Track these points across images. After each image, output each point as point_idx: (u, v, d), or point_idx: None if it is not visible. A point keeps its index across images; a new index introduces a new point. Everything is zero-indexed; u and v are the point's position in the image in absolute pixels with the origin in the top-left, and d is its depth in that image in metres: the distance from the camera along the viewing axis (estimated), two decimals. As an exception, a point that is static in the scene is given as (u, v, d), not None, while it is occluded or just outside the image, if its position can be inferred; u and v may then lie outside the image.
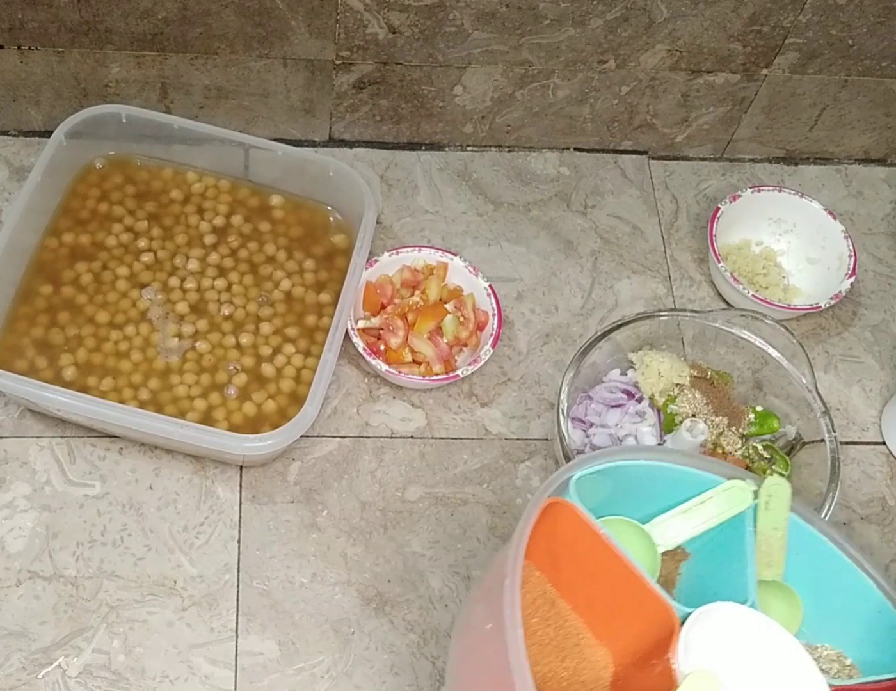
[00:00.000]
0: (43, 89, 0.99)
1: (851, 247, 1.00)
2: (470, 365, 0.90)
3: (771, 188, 1.04)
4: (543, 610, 0.65)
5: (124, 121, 0.95)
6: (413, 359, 0.92)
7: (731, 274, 0.98)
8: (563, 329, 0.99)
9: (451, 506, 0.88)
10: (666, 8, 0.95)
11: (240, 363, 0.90)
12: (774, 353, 0.87)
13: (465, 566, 0.85)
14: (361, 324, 0.92)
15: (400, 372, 0.90)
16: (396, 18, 0.94)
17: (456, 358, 0.93)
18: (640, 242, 1.05)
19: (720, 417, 0.85)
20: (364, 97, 1.02)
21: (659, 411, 0.86)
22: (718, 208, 1.01)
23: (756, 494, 0.67)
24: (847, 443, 0.95)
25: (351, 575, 0.84)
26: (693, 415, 0.84)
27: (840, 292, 0.99)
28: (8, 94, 0.99)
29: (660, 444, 0.84)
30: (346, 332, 0.89)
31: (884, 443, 0.96)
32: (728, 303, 1.01)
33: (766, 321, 0.87)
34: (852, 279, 0.99)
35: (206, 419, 0.86)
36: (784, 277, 1.04)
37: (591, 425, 0.87)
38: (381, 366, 0.89)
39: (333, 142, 1.07)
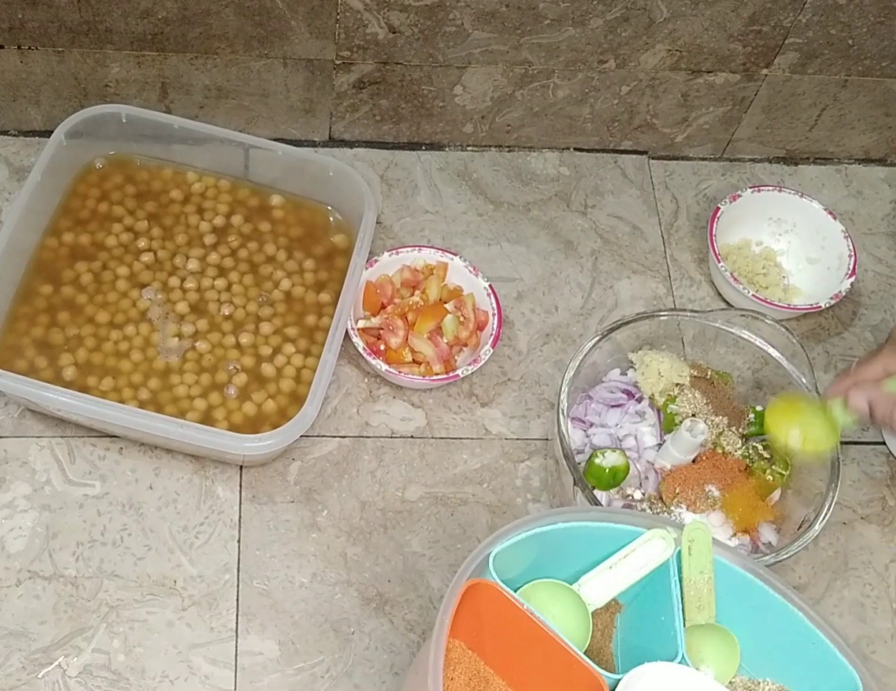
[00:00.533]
0: (43, 89, 0.99)
1: (851, 247, 1.00)
2: (470, 365, 0.90)
3: (771, 188, 1.04)
4: (479, 689, 0.65)
5: (124, 121, 0.95)
6: (413, 359, 0.92)
7: (731, 274, 0.98)
8: (563, 329, 0.99)
9: (451, 505, 0.88)
10: (666, 8, 0.95)
11: (240, 363, 0.90)
12: (774, 353, 0.87)
13: (465, 566, 0.85)
14: (361, 323, 0.92)
15: (400, 372, 0.90)
16: (396, 18, 0.94)
17: (456, 358, 0.93)
18: (640, 242, 1.05)
19: (720, 417, 0.85)
20: (364, 97, 1.02)
21: (659, 411, 0.86)
22: (718, 208, 1.01)
23: (677, 542, 0.68)
24: (847, 443, 0.95)
25: (351, 575, 0.84)
26: (693, 415, 0.84)
27: (840, 292, 0.99)
28: (8, 94, 0.99)
29: (660, 444, 0.84)
30: (346, 332, 0.89)
31: (884, 443, 0.96)
32: (728, 303, 1.01)
33: (766, 321, 0.87)
34: (852, 279, 0.99)
35: (206, 419, 0.86)
36: (784, 277, 1.04)
37: (591, 425, 0.87)
38: (381, 365, 0.89)
39: (333, 142, 1.07)
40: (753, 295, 0.97)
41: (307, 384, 0.86)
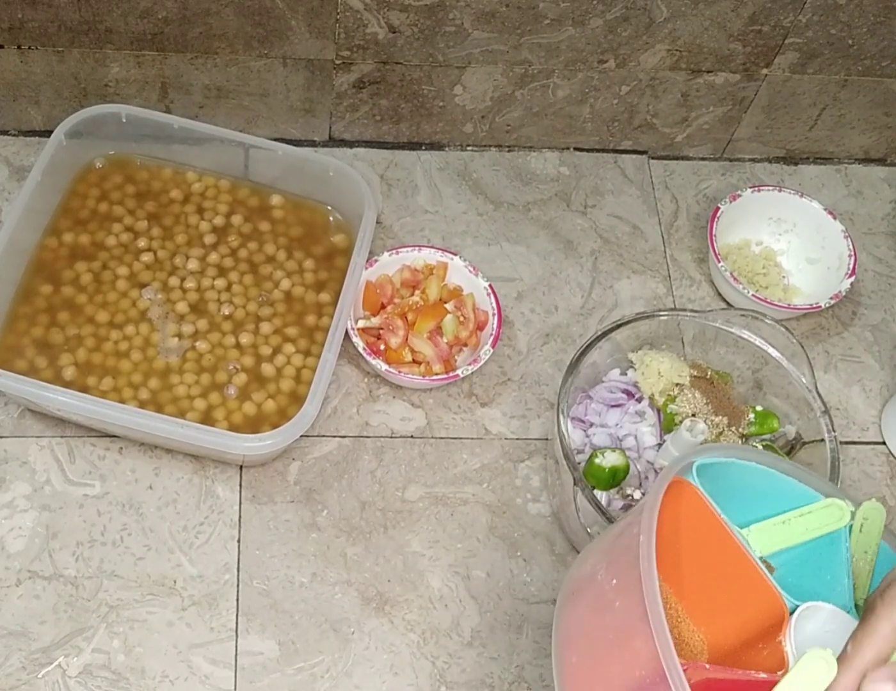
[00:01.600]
0: (43, 89, 0.99)
1: (851, 247, 1.00)
2: (470, 364, 0.90)
3: (771, 188, 1.04)
4: None
5: (124, 120, 0.95)
6: (413, 359, 0.92)
7: (731, 274, 0.98)
8: (563, 329, 0.99)
9: (451, 505, 0.88)
10: (666, 8, 0.95)
11: (240, 363, 0.90)
12: (774, 353, 0.87)
13: (465, 566, 0.85)
14: (361, 323, 0.92)
15: (400, 371, 0.90)
16: (396, 18, 0.94)
17: (456, 357, 0.93)
18: (640, 242, 1.05)
19: (720, 417, 0.85)
20: (364, 97, 1.02)
21: (659, 411, 0.86)
22: (718, 208, 1.01)
23: (853, 515, 0.68)
24: (847, 443, 0.95)
25: (351, 575, 0.84)
26: (693, 415, 0.84)
27: (840, 292, 0.99)
28: (8, 94, 0.99)
29: (659, 444, 0.84)
30: (346, 332, 0.89)
31: (884, 443, 0.96)
32: (728, 303, 1.01)
33: (766, 321, 0.87)
34: (852, 279, 0.99)
35: (206, 419, 0.86)
36: (784, 277, 1.04)
37: (591, 425, 0.87)
38: (381, 365, 0.89)
39: (333, 141, 1.07)
40: (753, 295, 0.97)
41: (307, 384, 0.86)
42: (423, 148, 1.08)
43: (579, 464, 0.82)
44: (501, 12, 0.94)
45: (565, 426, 0.80)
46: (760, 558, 0.68)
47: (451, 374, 0.90)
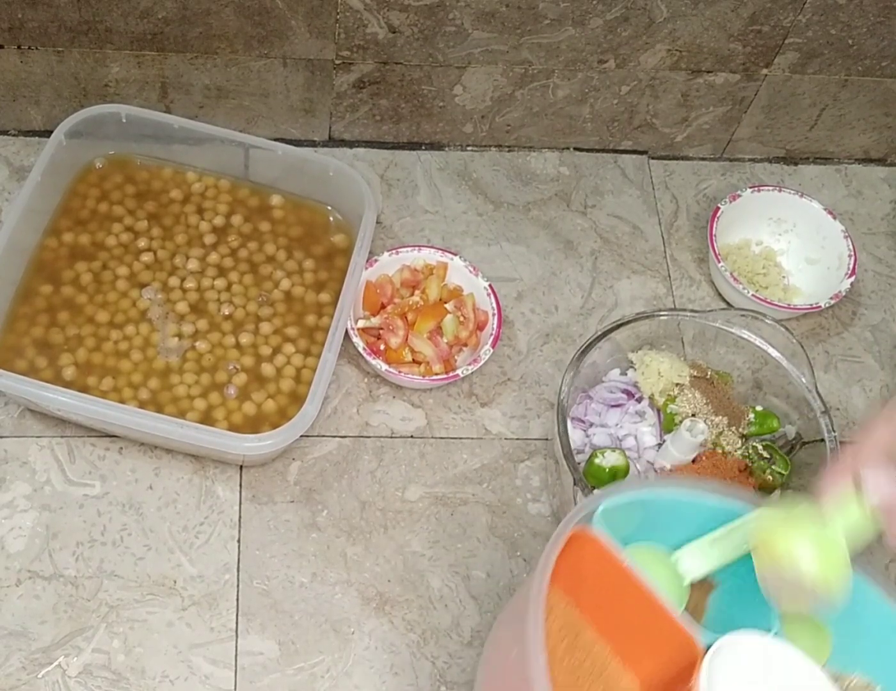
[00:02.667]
0: (43, 89, 0.99)
1: (851, 247, 1.00)
2: (470, 364, 0.90)
3: (771, 188, 1.04)
4: (570, 638, 0.65)
5: (124, 120, 0.95)
6: (413, 359, 0.92)
7: (731, 274, 0.98)
8: (563, 329, 0.99)
9: (451, 505, 0.88)
10: (666, 8, 0.95)
11: (240, 363, 0.90)
12: (774, 353, 0.87)
13: (465, 566, 0.85)
14: (361, 323, 0.92)
15: (400, 371, 0.90)
16: (396, 18, 0.94)
17: (456, 357, 0.93)
18: (640, 242, 1.05)
19: (720, 417, 0.85)
20: (364, 97, 1.02)
21: (659, 411, 0.86)
22: (718, 208, 1.01)
23: None
24: (847, 443, 0.95)
25: (351, 575, 0.84)
26: (693, 415, 0.84)
27: (840, 292, 0.99)
28: (8, 94, 0.99)
29: (659, 444, 0.84)
30: (346, 332, 0.89)
31: (884, 443, 0.96)
32: (728, 303, 1.01)
33: (766, 321, 0.87)
34: (852, 279, 0.99)
35: (206, 419, 0.86)
36: (784, 277, 1.04)
37: (591, 425, 0.87)
38: (381, 365, 0.89)
39: (333, 141, 1.07)
40: (753, 295, 0.97)
41: (307, 384, 0.86)
42: (423, 148, 1.08)
43: (579, 464, 0.82)
44: (501, 12, 0.94)
45: (565, 426, 0.80)
46: (693, 581, 0.67)
47: (451, 374, 0.90)
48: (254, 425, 0.86)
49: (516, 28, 0.96)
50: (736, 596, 0.69)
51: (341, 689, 0.79)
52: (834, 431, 0.83)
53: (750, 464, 0.84)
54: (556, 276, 1.02)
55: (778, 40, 0.99)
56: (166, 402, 0.87)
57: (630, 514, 0.67)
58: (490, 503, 0.88)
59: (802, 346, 0.86)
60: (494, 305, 0.94)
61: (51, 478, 0.85)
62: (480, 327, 0.94)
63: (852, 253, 1.00)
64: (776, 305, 0.97)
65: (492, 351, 0.91)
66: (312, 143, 1.07)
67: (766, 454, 0.84)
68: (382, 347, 0.92)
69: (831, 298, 0.98)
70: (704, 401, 0.85)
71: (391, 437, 0.91)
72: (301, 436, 0.83)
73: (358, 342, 0.90)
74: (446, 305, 0.94)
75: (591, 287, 1.02)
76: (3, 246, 0.86)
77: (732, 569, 0.68)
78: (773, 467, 0.83)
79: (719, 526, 0.68)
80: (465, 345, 0.94)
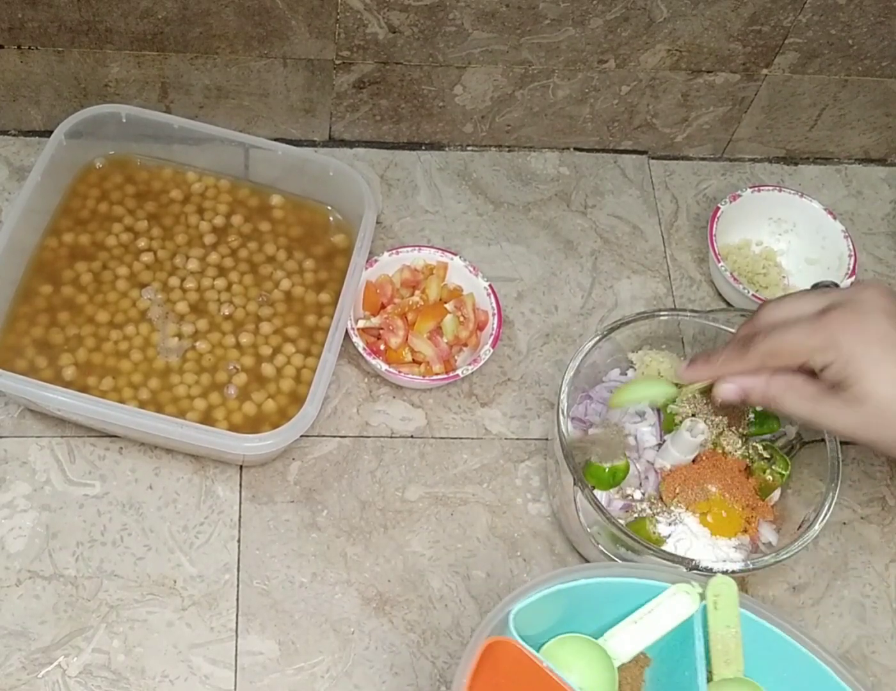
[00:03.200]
0: (43, 89, 0.99)
1: (851, 247, 1.00)
2: (470, 365, 0.90)
3: (771, 188, 1.04)
4: None
5: (124, 121, 0.95)
6: (413, 359, 0.92)
7: (731, 274, 0.98)
8: (563, 329, 0.99)
9: (451, 505, 0.88)
10: (666, 8, 0.95)
11: (240, 363, 0.90)
12: None
13: (465, 566, 0.85)
14: (361, 323, 0.92)
15: (400, 372, 0.90)
16: (396, 18, 0.94)
17: (456, 357, 0.93)
18: (640, 242, 1.05)
19: (720, 417, 0.85)
20: (364, 97, 1.02)
21: (659, 411, 0.86)
22: (718, 208, 1.01)
23: (703, 596, 0.68)
24: (847, 443, 0.95)
25: (351, 575, 0.84)
26: (693, 415, 0.84)
27: (840, 292, 0.99)
28: (8, 94, 0.99)
29: (660, 444, 0.84)
30: (346, 332, 0.89)
31: (884, 443, 0.96)
32: (728, 303, 1.01)
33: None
34: (852, 279, 0.99)
35: (206, 419, 0.86)
36: (784, 277, 1.04)
37: (591, 425, 0.87)
38: (381, 365, 0.89)
39: (333, 142, 1.07)
40: (753, 295, 0.97)
41: (307, 384, 0.86)
42: (423, 148, 1.08)
43: (579, 464, 0.82)
44: (501, 12, 0.94)
45: (565, 426, 0.80)
46: (623, 664, 0.67)
47: (451, 374, 0.90)
48: (254, 425, 0.86)
49: (516, 28, 0.96)
50: (668, 670, 0.70)
51: (341, 689, 0.79)
52: (834, 431, 0.83)
53: (750, 465, 0.84)
54: (556, 276, 1.02)
55: (778, 40, 0.99)
56: (166, 402, 0.87)
57: (547, 608, 0.67)
58: (490, 503, 0.88)
59: None
60: (494, 305, 0.94)
61: (51, 478, 0.85)
62: (480, 327, 0.94)
63: (852, 253, 1.00)
64: (776, 305, 0.97)
65: (492, 351, 0.91)
66: (312, 143, 1.07)
67: (766, 454, 0.84)
68: (382, 347, 0.92)
69: (831, 298, 0.98)
70: (704, 401, 0.85)
71: (391, 437, 0.91)
72: (301, 436, 0.83)
73: (358, 342, 0.90)
74: (446, 305, 0.94)
75: (591, 287, 1.02)
76: (3, 246, 0.86)
77: (662, 644, 0.69)
78: (774, 467, 0.83)
79: (640, 605, 0.68)
80: (465, 345, 0.94)
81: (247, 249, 0.96)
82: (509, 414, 0.93)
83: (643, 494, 0.83)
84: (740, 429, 0.85)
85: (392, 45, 0.97)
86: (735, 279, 0.97)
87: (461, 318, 0.93)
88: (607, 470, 0.82)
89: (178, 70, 0.98)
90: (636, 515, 0.81)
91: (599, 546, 0.78)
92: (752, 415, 0.86)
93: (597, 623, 0.69)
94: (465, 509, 0.88)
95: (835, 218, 1.02)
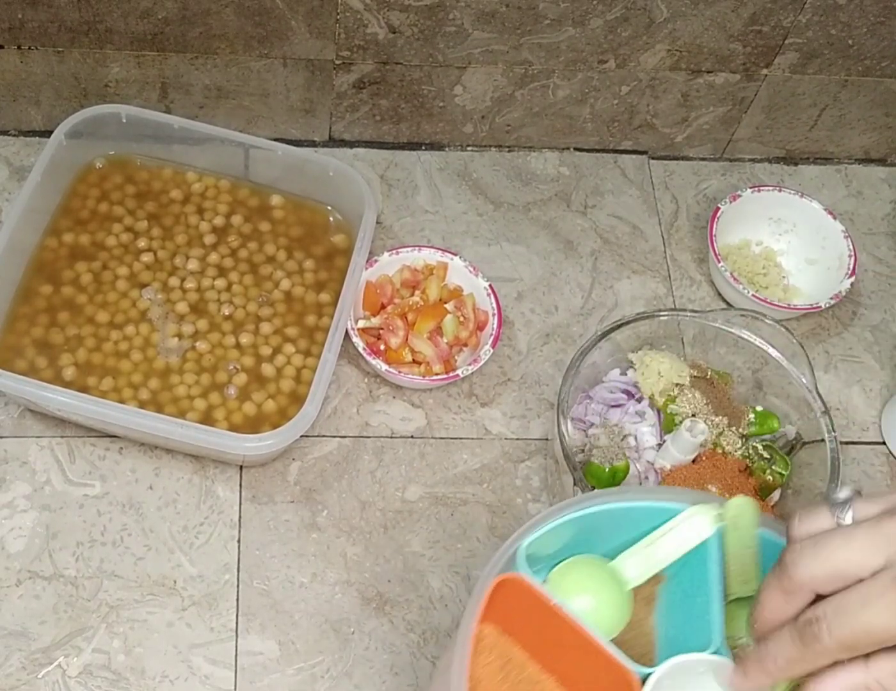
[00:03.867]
0: (43, 89, 0.99)
1: (851, 247, 1.00)
2: (470, 365, 0.90)
3: (771, 188, 1.04)
4: (514, 674, 0.64)
5: (124, 121, 0.95)
6: (413, 359, 0.92)
7: (731, 274, 0.98)
8: (563, 329, 0.99)
9: (451, 505, 0.88)
10: (666, 8, 0.95)
11: (240, 363, 0.90)
12: (774, 353, 0.87)
13: (465, 566, 0.85)
14: (361, 323, 0.92)
15: (400, 372, 0.90)
16: (396, 18, 0.94)
17: (456, 358, 0.93)
18: (640, 242, 1.05)
19: (720, 417, 0.85)
20: (364, 97, 1.02)
21: (659, 411, 0.86)
22: (718, 208, 1.01)
23: (720, 517, 0.67)
24: (847, 443, 0.95)
25: (351, 575, 0.84)
26: (693, 415, 0.84)
27: (840, 292, 0.99)
28: (8, 94, 0.99)
29: (660, 444, 0.84)
30: (346, 332, 0.89)
31: (884, 443, 0.96)
32: (728, 303, 1.01)
33: (766, 321, 0.87)
34: (852, 279, 0.99)
35: (206, 419, 0.86)
36: (784, 277, 1.04)
37: (592, 425, 0.87)
38: (381, 365, 0.89)
39: (333, 142, 1.07)
40: (753, 295, 0.97)
41: (307, 384, 0.86)
42: (423, 148, 1.08)
43: (580, 464, 0.82)
44: (501, 12, 0.94)
45: (565, 426, 0.80)
46: (636, 586, 0.66)
47: (451, 374, 0.90)
48: (254, 425, 0.86)
49: (516, 28, 0.96)
50: (682, 591, 0.68)
51: (341, 689, 0.79)
52: (834, 431, 0.83)
53: (750, 464, 0.84)
54: (556, 276, 1.02)
55: (778, 40, 0.99)
56: (166, 402, 0.87)
57: (561, 535, 0.66)
58: (490, 503, 0.88)
59: (802, 347, 0.86)
60: (494, 305, 0.94)
61: (51, 478, 0.85)
62: (480, 327, 0.94)
63: (852, 253, 1.00)
64: (776, 305, 0.97)
65: (492, 351, 0.91)
66: (312, 143, 1.07)
67: (766, 454, 0.84)
68: (382, 347, 0.92)
69: (831, 298, 0.98)
70: (704, 402, 0.85)
71: (391, 437, 0.91)
72: (301, 436, 0.83)
73: (358, 342, 0.90)
74: (446, 305, 0.94)
75: (591, 287, 1.02)
76: (3, 246, 0.86)
77: (678, 565, 0.67)
78: (774, 467, 0.83)
79: (655, 527, 0.67)
80: (465, 345, 0.94)
81: (247, 249, 0.96)
82: (509, 414, 0.93)
83: (644, 493, 0.83)
84: (740, 429, 0.85)
85: (392, 45, 0.97)
86: (735, 279, 0.97)
87: (461, 318, 0.93)
88: (607, 470, 0.82)
89: (178, 70, 0.98)
90: (636, 515, 0.81)
91: None
92: (752, 416, 0.86)
93: (611, 545, 0.67)
94: (465, 509, 0.88)
95: (835, 218, 1.02)
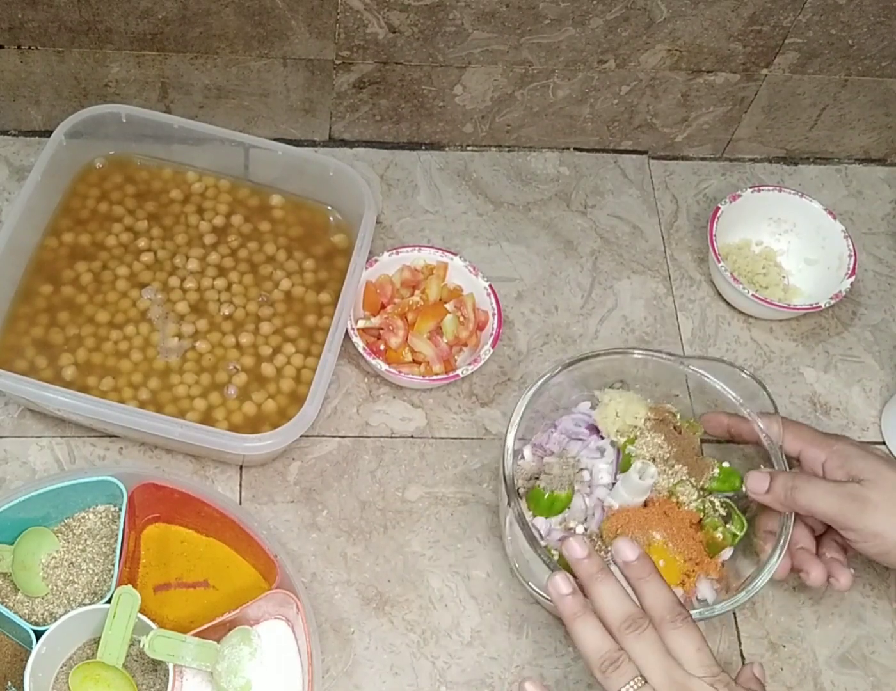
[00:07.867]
0: (43, 89, 0.99)
1: (851, 247, 1.00)
2: (470, 364, 0.90)
3: (771, 188, 1.04)
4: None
5: (124, 121, 0.95)
6: (413, 359, 0.92)
7: (731, 274, 0.98)
8: (563, 329, 0.99)
9: (451, 505, 0.88)
10: (666, 8, 0.95)
11: (240, 363, 0.90)
12: (744, 408, 0.84)
13: (465, 566, 0.85)
14: (361, 323, 0.92)
15: (400, 372, 0.90)
16: (396, 18, 0.94)
17: (456, 357, 0.93)
18: (640, 242, 1.05)
19: (680, 466, 0.81)
20: (364, 97, 1.02)
21: (618, 450, 0.83)
22: (718, 208, 1.01)
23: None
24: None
25: (351, 575, 0.84)
26: (653, 460, 0.81)
27: (840, 292, 0.99)
28: (8, 94, 0.99)
29: (613, 483, 0.82)
30: (346, 332, 0.89)
31: (884, 443, 0.96)
32: (728, 303, 1.01)
33: (744, 373, 0.84)
34: (852, 279, 0.99)
35: (206, 419, 0.86)
36: (784, 277, 1.04)
37: (550, 453, 0.84)
38: (381, 365, 0.89)
39: (333, 141, 1.07)
40: (753, 295, 0.97)
41: (307, 384, 0.86)
42: (423, 148, 1.08)
43: (525, 487, 0.81)
44: (501, 12, 0.94)
45: (511, 446, 0.79)
46: None
47: (451, 374, 0.90)
48: (254, 425, 0.86)
49: (516, 28, 0.96)
50: None
51: (341, 689, 0.79)
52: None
53: (703, 519, 0.80)
54: (556, 276, 1.02)
55: (778, 40, 0.99)
56: (166, 402, 0.87)
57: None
58: (490, 503, 0.88)
59: (774, 403, 0.83)
60: (494, 305, 0.94)
61: (51, 478, 0.85)
62: (480, 327, 0.94)
63: (852, 253, 1.00)
64: (776, 305, 0.97)
65: (492, 351, 0.91)
66: (312, 143, 1.07)
67: (723, 511, 0.81)
68: (382, 347, 0.92)
69: (831, 298, 0.98)
70: (668, 447, 0.82)
71: (391, 437, 0.91)
72: (301, 436, 0.83)
73: (358, 342, 0.90)
74: (446, 305, 0.94)
75: (591, 287, 1.02)
76: (3, 246, 0.86)
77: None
78: (728, 526, 0.80)
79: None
80: (465, 345, 0.94)
81: (247, 249, 0.96)
82: (509, 414, 0.93)
83: (586, 530, 0.80)
84: (700, 482, 0.82)
85: (392, 45, 0.97)
86: (735, 279, 0.97)
87: (461, 318, 0.93)
88: (546, 496, 0.80)
89: (178, 70, 0.98)
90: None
91: (517, 566, 0.77)
92: (716, 470, 0.82)
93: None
94: (465, 509, 0.88)
95: (835, 218, 1.02)
